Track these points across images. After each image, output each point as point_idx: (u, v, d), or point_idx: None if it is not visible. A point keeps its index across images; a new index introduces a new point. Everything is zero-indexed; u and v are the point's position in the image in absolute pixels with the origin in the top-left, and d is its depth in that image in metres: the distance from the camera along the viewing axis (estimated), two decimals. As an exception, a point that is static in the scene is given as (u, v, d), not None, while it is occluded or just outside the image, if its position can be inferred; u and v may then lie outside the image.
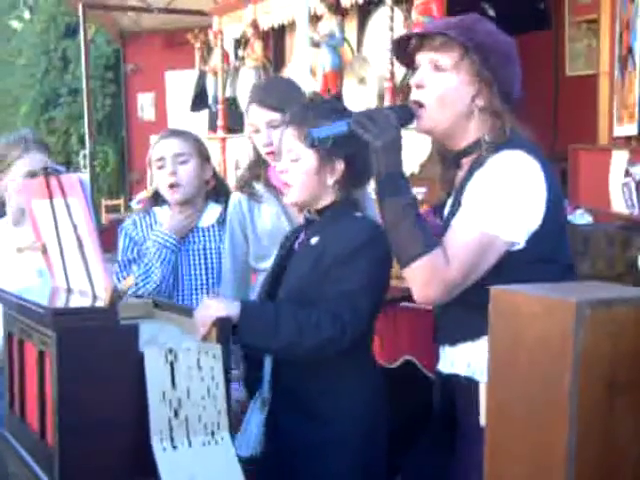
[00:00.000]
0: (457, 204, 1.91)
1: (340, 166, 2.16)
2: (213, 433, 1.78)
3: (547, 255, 1.89)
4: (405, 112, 1.95)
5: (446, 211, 1.99)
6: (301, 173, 2.17)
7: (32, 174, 2.60)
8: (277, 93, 2.65)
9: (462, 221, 1.86)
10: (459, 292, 1.86)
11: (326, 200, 2.20)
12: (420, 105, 1.95)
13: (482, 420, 1.63)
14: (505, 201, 1.83)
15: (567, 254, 1.98)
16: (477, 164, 1.90)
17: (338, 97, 2.42)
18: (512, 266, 1.84)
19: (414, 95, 1.97)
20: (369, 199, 2.58)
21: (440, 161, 2.10)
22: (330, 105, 2.28)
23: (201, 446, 1.76)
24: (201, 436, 1.77)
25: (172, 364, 1.74)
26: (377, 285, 2.12)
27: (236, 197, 2.70)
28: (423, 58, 1.97)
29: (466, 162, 1.97)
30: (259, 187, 2.66)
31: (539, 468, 1.27)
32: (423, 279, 1.83)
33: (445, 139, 2.01)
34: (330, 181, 2.17)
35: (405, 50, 2.04)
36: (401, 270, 1.88)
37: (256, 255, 2.62)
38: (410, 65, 2.04)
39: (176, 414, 1.75)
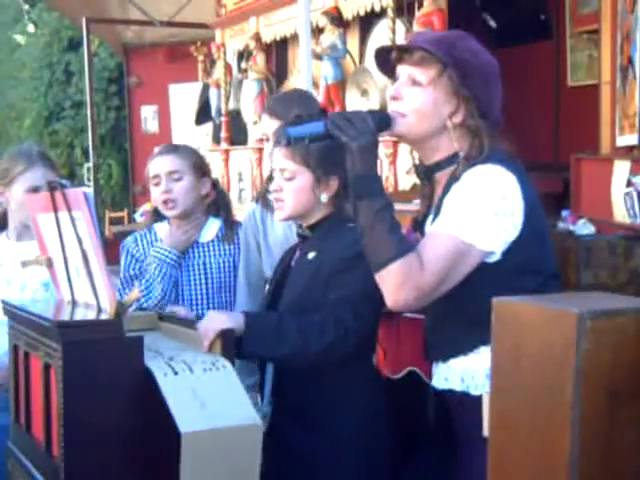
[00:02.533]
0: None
1: (334, 183, 2.18)
2: (214, 363, 1.81)
3: (527, 265, 1.87)
4: (383, 117, 1.94)
5: (427, 228, 1.98)
6: (296, 191, 2.19)
7: (35, 189, 2.60)
8: (286, 103, 2.68)
9: (438, 228, 1.85)
10: (432, 299, 1.83)
11: (318, 215, 2.22)
12: (401, 114, 1.93)
13: (485, 430, 1.63)
14: (480, 211, 1.82)
15: (549, 264, 1.96)
16: (453, 179, 1.89)
17: (324, 111, 2.45)
18: (493, 278, 1.83)
19: (391, 106, 1.96)
20: None
21: (416, 174, 2.09)
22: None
23: (202, 372, 1.77)
24: (201, 364, 1.79)
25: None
26: (377, 290, 2.13)
27: (250, 208, 2.75)
28: (402, 71, 1.96)
29: (441, 177, 1.96)
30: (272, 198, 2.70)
31: (542, 477, 1.27)
32: (396, 283, 1.80)
33: (418, 149, 2.00)
34: (324, 198, 2.19)
35: (387, 61, 2.02)
36: (374, 274, 1.86)
37: (269, 264, 2.64)
38: (392, 76, 2.03)
39: (171, 359, 1.79)
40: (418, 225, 2.04)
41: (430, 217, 1.98)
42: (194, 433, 1.62)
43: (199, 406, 1.67)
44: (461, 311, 1.84)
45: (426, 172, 2.00)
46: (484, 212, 1.82)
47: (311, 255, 2.19)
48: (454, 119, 1.92)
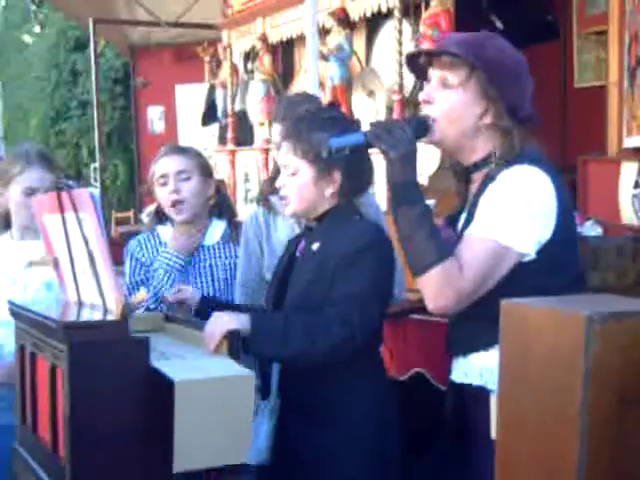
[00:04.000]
0: (471, 218, 1.93)
1: (337, 177, 2.18)
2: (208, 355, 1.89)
3: (557, 266, 1.90)
4: (420, 125, 1.98)
5: (460, 225, 2.01)
6: (299, 186, 2.20)
7: (31, 190, 2.60)
8: (294, 106, 2.67)
9: (475, 232, 1.89)
10: (471, 302, 1.87)
11: (324, 207, 2.22)
12: (432, 119, 1.98)
13: (493, 433, 1.63)
14: (517, 213, 1.85)
15: (577, 265, 2.00)
16: (489, 179, 1.93)
17: (335, 104, 2.46)
18: (522, 277, 1.86)
19: (423, 110, 2.01)
20: (373, 205, 2.60)
21: (453, 174, 2.12)
22: (325, 115, 2.28)
23: (194, 358, 1.85)
24: (193, 353, 1.87)
25: None
26: (382, 286, 2.14)
27: (253, 209, 2.74)
28: (433, 74, 2.00)
29: (477, 177, 1.99)
30: (275, 199, 2.69)
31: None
32: (436, 288, 1.85)
33: (454, 152, 2.04)
34: (328, 192, 2.20)
35: (418, 64, 2.06)
36: (415, 278, 1.90)
37: (270, 267, 2.63)
38: (423, 77, 2.07)
39: (163, 353, 1.84)
40: (451, 221, 2.06)
41: (464, 214, 2.00)
42: (187, 382, 1.65)
43: (191, 367, 1.75)
44: (485, 308, 1.85)
45: (464, 173, 2.03)
46: (520, 214, 1.85)
47: (315, 246, 2.19)
48: (484, 120, 1.95)
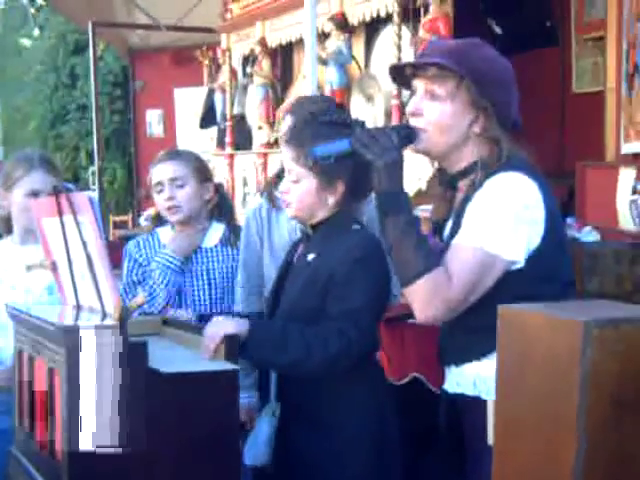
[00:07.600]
0: (457, 226, 1.91)
1: (341, 187, 2.18)
2: None
3: (547, 273, 1.88)
4: (407, 132, 1.95)
5: (446, 233, 1.99)
6: (301, 194, 2.19)
7: (34, 193, 2.60)
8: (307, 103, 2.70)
9: (463, 240, 1.86)
10: (460, 311, 1.85)
11: (323, 214, 2.21)
12: (422, 130, 1.95)
13: (489, 438, 1.63)
14: (504, 220, 1.83)
15: (568, 272, 1.98)
16: (475, 186, 1.90)
17: (342, 106, 2.46)
18: (512, 285, 1.84)
19: (411, 122, 1.97)
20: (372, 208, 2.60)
21: (438, 181, 2.10)
22: (330, 120, 2.23)
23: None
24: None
25: None
26: (378, 299, 2.14)
27: (257, 203, 2.73)
28: (419, 85, 1.96)
29: (463, 184, 1.97)
30: (278, 194, 2.68)
31: (547, 486, 1.27)
32: (424, 298, 1.83)
33: (441, 161, 2.02)
34: (330, 201, 2.19)
35: (402, 74, 2.03)
36: (402, 289, 1.88)
37: (272, 265, 2.62)
38: (408, 86, 2.04)
39: None
40: (438, 229, 2.05)
41: (450, 222, 1.99)
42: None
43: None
44: (477, 317, 1.84)
45: (450, 180, 2.02)
46: (508, 222, 1.83)
47: (310, 257, 2.18)
48: (474, 129, 1.93)
